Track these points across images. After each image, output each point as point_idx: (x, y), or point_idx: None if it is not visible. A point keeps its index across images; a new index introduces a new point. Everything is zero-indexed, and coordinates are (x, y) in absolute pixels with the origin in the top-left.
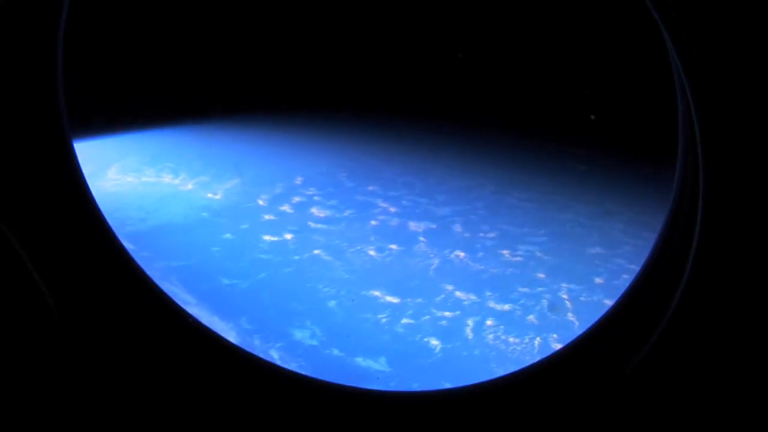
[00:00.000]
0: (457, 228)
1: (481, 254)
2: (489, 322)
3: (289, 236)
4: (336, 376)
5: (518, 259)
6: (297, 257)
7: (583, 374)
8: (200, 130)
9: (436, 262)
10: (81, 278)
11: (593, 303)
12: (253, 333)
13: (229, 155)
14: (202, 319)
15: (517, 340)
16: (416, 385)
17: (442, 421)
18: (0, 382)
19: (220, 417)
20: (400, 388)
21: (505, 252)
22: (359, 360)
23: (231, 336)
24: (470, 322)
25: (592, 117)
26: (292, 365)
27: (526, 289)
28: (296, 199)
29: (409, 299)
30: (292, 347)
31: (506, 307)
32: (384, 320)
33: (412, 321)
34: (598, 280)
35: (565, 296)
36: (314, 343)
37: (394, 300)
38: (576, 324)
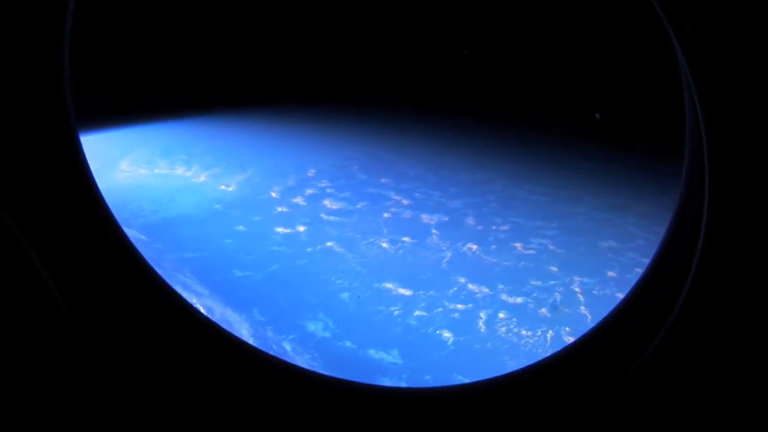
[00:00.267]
0: (470, 221)
1: (493, 247)
2: (501, 315)
3: (301, 228)
4: (348, 369)
5: (531, 252)
6: (309, 249)
7: (592, 371)
8: (212, 123)
9: (448, 254)
10: (88, 273)
11: (606, 296)
12: (265, 325)
13: (240, 148)
14: (214, 310)
15: (530, 333)
16: (428, 378)
17: (450, 418)
18: (8, 377)
19: (228, 413)
20: (413, 379)
21: (518, 245)
22: (371, 352)
23: (244, 327)
24: (483, 314)
25: (597, 116)
26: (304, 357)
27: (538, 282)
28: (309, 191)
29: (421, 292)
30: (304, 339)
31: (519, 299)
32: (396, 312)
33: (424, 313)
34: (610, 274)
35: (577, 289)
36: (327, 335)
37: (407, 292)
38: (589, 318)
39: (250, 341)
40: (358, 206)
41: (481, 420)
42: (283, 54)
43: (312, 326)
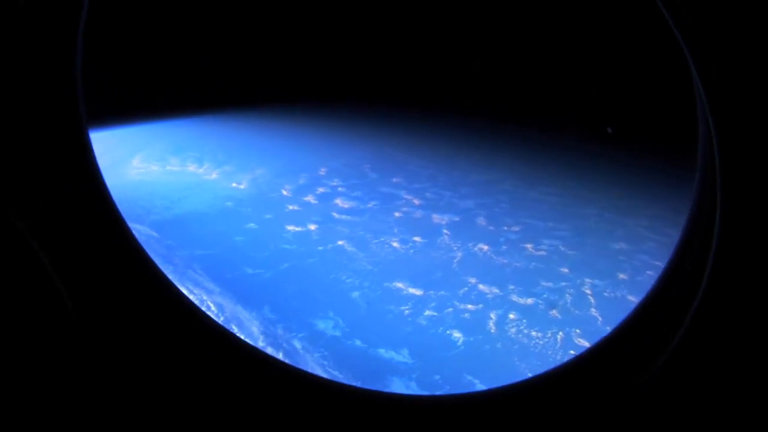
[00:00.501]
0: (481, 221)
1: (504, 248)
2: (512, 316)
3: (312, 227)
4: (357, 368)
5: (542, 253)
6: (321, 248)
7: (608, 379)
8: (224, 121)
9: (459, 254)
10: (95, 275)
11: (617, 299)
12: (275, 322)
13: (252, 146)
14: (225, 307)
15: (540, 334)
16: (438, 378)
17: (462, 427)
18: (17, 379)
19: (233, 417)
20: (422, 379)
21: (529, 246)
22: (381, 351)
23: (254, 325)
24: (493, 315)
25: (609, 130)
26: (314, 355)
27: (549, 284)
28: (320, 189)
29: (432, 291)
30: (314, 337)
31: (529, 301)
32: (407, 312)
33: (435, 313)
34: (621, 276)
35: (588, 291)
36: (337, 333)
37: (417, 292)
38: (599, 320)
39: (260, 339)
40: (370, 205)
41: (495, 429)
42: (296, 53)
43: (322, 325)
